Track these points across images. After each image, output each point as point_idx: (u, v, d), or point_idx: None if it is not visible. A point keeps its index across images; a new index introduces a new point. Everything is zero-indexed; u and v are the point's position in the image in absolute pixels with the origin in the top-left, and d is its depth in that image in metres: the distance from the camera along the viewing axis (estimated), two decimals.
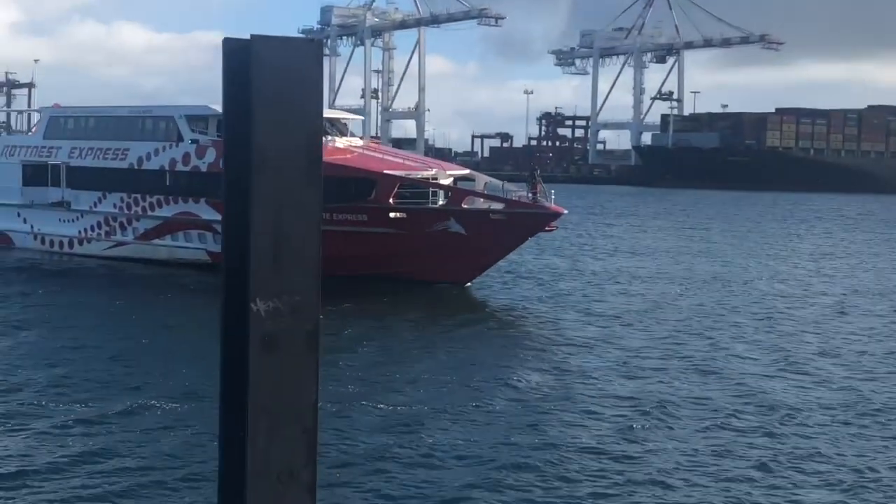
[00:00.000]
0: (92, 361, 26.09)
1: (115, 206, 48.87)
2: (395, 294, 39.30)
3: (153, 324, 32.21)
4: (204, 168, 45.35)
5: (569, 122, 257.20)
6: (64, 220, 50.76)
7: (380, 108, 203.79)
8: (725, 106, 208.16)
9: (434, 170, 44.93)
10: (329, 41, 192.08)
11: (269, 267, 4.62)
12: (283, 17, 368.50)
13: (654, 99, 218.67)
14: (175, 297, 38.45)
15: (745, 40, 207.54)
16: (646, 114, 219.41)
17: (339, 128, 48.36)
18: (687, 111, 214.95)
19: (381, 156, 46.01)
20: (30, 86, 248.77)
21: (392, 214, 41.60)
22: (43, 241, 51.75)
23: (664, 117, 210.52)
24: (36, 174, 51.73)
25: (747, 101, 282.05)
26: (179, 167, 46.20)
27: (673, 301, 40.54)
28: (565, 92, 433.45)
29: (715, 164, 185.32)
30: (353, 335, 30.66)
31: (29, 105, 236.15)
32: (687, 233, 78.56)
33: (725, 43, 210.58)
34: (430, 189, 42.24)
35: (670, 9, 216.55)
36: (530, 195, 42.08)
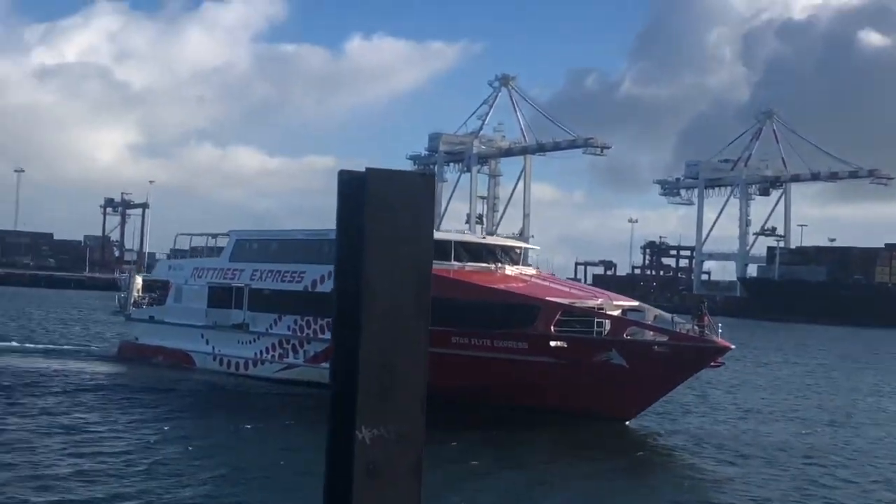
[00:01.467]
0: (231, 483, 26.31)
1: (288, 328, 48.91)
2: (549, 426, 37.68)
3: (278, 447, 32.09)
4: None
5: (673, 252, 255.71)
6: (242, 342, 50.69)
7: (484, 234, 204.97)
8: (833, 240, 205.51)
9: (601, 299, 43.86)
10: (436, 167, 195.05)
11: (375, 395, 4.69)
12: (394, 143, 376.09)
13: (757, 234, 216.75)
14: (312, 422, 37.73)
15: (853, 174, 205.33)
16: (751, 246, 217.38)
17: (513, 256, 48.19)
18: (794, 244, 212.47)
19: (547, 284, 45.47)
20: (144, 206, 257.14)
21: (553, 343, 40.28)
22: (221, 363, 51.68)
23: (770, 249, 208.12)
24: (220, 296, 52.60)
25: (856, 236, 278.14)
26: None
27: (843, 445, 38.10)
28: (670, 221, 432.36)
29: (823, 299, 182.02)
30: (488, 465, 30.05)
31: (143, 225, 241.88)
32: (838, 370, 76.56)
33: (833, 177, 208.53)
34: (595, 319, 40.78)
35: (777, 142, 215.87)
36: (696, 328, 40.06)
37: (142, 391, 43.77)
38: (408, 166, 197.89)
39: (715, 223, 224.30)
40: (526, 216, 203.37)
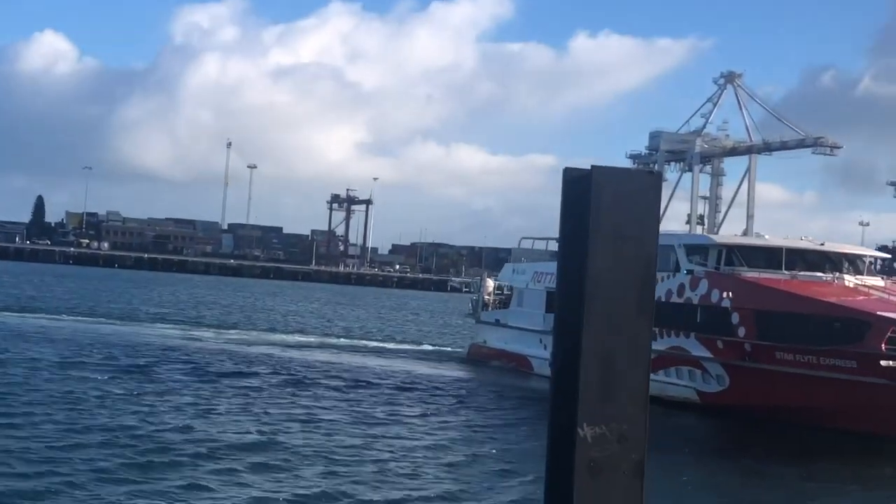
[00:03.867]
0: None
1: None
2: (878, 455, 35.16)
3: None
4: (696, 300, 43.13)
5: None
6: None
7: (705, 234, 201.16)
8: None
9: None
10: (656, 166, 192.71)
11: (597, 394, 4.67)
12: (616, 142, 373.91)
13: None
14: None
15: None
16: None
17: (857, 265, 45.10)
18: None
19: (888, 297, 40.74)
20: (367, 202, 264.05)
21: (883, 363, 36.84)
22: None
23: None
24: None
25: None
26: (674, 298, 43.92)
27: None
28: None
29: None
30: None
31: (366, 220, 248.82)
32: None
33: None
34: None
35: None
36: None
37: (468, 394, 44.53)
38: (628, 164, 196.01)
39: None
40: (750, 217, 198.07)
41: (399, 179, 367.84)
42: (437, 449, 30.07)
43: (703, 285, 42.94)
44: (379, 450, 29.06)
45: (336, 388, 42.24)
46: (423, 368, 53.32)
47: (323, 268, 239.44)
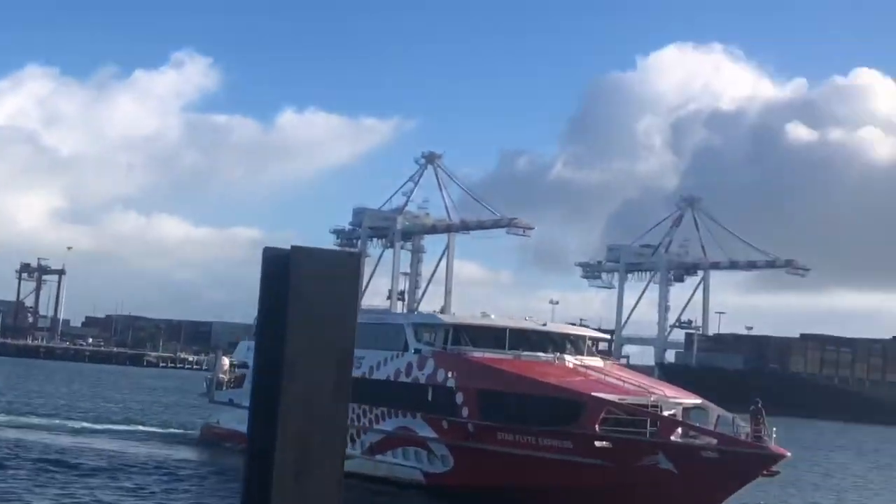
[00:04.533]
0: None
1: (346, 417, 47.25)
2: None
3: None
4: (422, 380, 42.96)
5: None
6: None
7: (405, 311, 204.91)
8: (750, 328, 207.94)
9: (655, 396, 40.07)
10: (360, 242, 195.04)
11: (291, 478, 4.59)
12: (321, 217, 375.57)
13: (672, 327, 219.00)
14: None
15: (770, 264, 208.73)
16: (669, 332, 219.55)
17: (578, 345, 45.31)
18: (712, 331, 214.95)
19: (603, 377, 41.66)
20: (60, 272, 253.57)
21: (598, 443, 37.44)
22: None
23: (688, 336, 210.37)
24: None
25: (774, 325, 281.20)
26: (402, 378, 43.91)
27: None
28: (592, 304, 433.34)
29: (738, 387, 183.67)
30: None
31: (58, 291, 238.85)
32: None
33: (751, 266, 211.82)
34: (644, 418, 37.59)
35: (697, 229, 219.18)
36: (750, 432, 37.33)
37: (189, 477, 42.77)
38: (331, 240, 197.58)
39: (634, 308, 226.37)
40: (448, 293, 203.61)
41: (97, 249, 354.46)
42: None
43: (430, 365, 43.00)
44: None
45: (42, 472, 39.91)
46: (147, 450, 51.07)
47: (10, 340, 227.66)
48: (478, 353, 43.14)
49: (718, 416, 40.29)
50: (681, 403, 41.13)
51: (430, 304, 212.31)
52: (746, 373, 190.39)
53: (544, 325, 47.11)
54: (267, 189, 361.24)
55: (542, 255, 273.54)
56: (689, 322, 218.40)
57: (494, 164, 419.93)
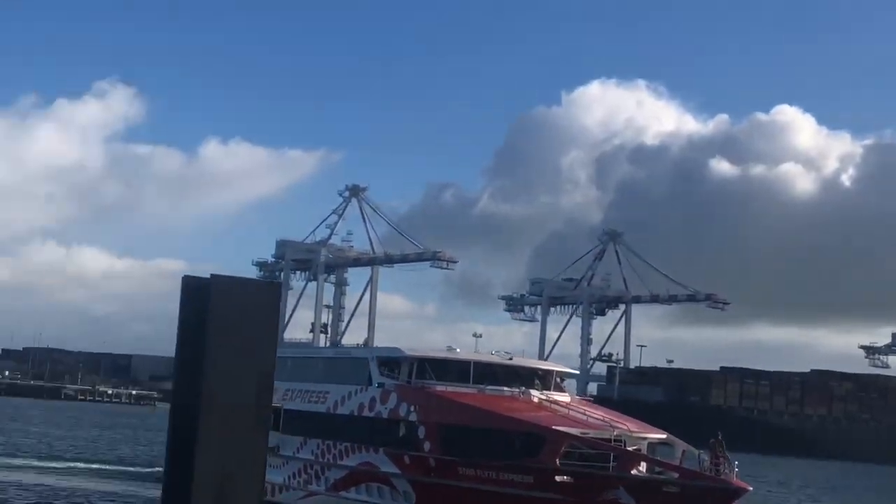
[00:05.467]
0: None
1: (312, 452, 46.11)
2: None
3: None
4: (385, 414, 42.53)
5: None
6: (274, 466, 46.36)
7: (328, 343, 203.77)
8: (671, 361, 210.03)
9: (618, 430, 39.60)
10: (283, 274, 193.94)
11: None
12: (244, 249, 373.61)
13: (594, 360, 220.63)
14: None
15: (691, 298, 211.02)
16: (592, 365, 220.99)
17: (545, 380, 44.93)
18: (633, 364, 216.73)
19: (566, 412, 41.40)
20: None
21: (558, 478, 37.14)
22: None
23: (610, 369, 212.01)
24: None
25: (694, 358, 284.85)
26: (365, 412, 43.50)
27: None
28: (515, 338, 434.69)
29: (658, 419, 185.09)
30: None
31: None
32: None
33: (672, 299, 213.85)
34: (605, 452, 37.14)
35: (619, 263, 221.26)
36: (711, 466, 37.02)
37: None
38: (254, 272, 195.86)
39: (557, 341, 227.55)
40: (371, 326, 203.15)
41: (14, 280, 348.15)
42: None
43: (393, 399, 42.44)
44: None
45: None
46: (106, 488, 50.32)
47: None
48: (441, 387, 42.52)
49: (684, 451, 40.45)
50: (646, 438, 41.13)
51: (353, 336, 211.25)
52: (667, 405, 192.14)
53: (510, 359, 46.56)
54: (191, 220, 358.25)
55: (467, 288, 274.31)
56: (611, 355, 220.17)
57: (420, 197, 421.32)
